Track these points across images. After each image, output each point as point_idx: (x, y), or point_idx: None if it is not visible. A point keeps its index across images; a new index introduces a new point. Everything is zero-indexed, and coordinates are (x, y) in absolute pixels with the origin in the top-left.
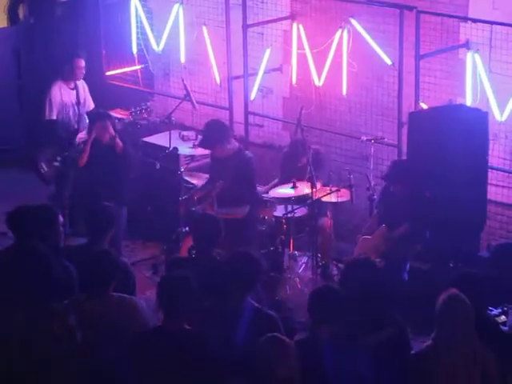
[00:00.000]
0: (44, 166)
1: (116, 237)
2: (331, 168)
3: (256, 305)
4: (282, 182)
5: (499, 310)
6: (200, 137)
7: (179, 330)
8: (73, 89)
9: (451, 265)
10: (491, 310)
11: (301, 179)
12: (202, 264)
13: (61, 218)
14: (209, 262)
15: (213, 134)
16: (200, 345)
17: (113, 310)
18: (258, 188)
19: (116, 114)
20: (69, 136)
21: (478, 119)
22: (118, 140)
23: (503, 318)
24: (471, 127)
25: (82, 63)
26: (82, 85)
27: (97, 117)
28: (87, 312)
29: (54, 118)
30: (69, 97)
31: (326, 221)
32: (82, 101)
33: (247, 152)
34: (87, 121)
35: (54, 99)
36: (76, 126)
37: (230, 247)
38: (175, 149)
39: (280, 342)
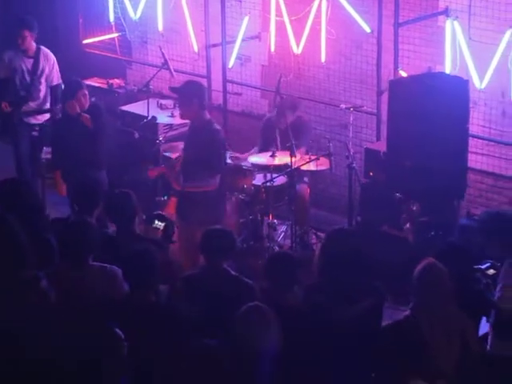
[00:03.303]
0: None
1: None
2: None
3: (233, 273)
4: (262, 150)
5: (487, 265)
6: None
7: (146, 302)
8: (31, 57)
9: (432, 233)
10: (479, 266)
11: (282, 144)
12: (213, 277)
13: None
14: (220, 274)
15: (190, 91)
16: (169, 316)
17: (94, 279)
18: (237, 155)
19: (93, 82)
20: (13, 99)
21: (458, 87)
22: (84, 115)
23: (492, 271)
24: (452, 95)
25: (26, 34)
26: (45, 56)
27: (78, 85)
28: (68, 281)
29: (2, 76)
30: (22, 63)
31: (305, 189)
32: (39, 71)
33: (215, 124)
34: (42, 92)
35: (3, 61)
36: (22, 94)
37: (204, 220)
38: (154, 118)
39: (260, 310)
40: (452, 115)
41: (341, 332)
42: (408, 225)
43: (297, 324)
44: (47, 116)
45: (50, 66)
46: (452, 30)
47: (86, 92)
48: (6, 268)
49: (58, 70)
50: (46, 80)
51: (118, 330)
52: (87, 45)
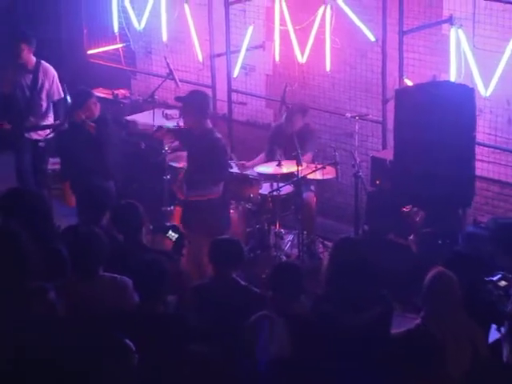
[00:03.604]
0: None
1: None
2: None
3: (243, 283)
4: (269, 157)
5: (498, 276)
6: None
7: (155, 312)
8: (30, 72)
9: (439, 242)
10: (491, 278)
11: (288, 152)
12: (222, 287)
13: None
14: (229, 284)
15: (195, 102)
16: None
17: (104, 290)
18: (243, 163)
19: (98, 93)
20: (15, 116)
21: (464, 95)
22: (88, 123)
23: (503, 282)
24: (458, 103)
25: (23, 47)
26: (45, 71)
27: (87, 94)
28: (78, 292)
29: (6, 91)
30: (22, 78)
31: (311, 197)
32: (38, 86)
33: (217, 132)
34: (43, 108)
35: (3, 77)
36: (23, 109)
37: (209, 228)
38: (159, 127)
39: (269, 320)
40: (459, 123)
41: (349, 340)
42: (412, 236)
43: (305, 332)
44: (45, 133)
45: (50, 80)
46: (456, 38)
47: (96, 100)
48: (11, 279)
49: (58, 84)
50: (47, 95)
51: (128, 342)
52: (92, 55)
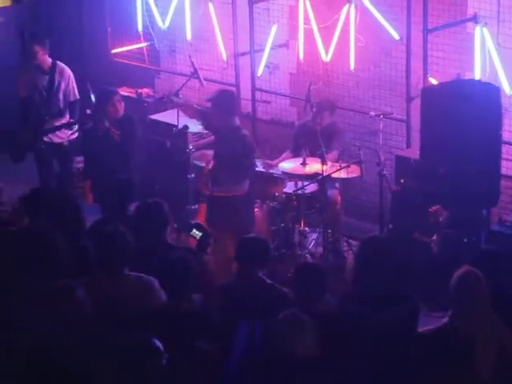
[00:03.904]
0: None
1: None
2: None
3: (269, 281)
4: (294, 153)
5: None
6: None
7: (180, 310)
8: (46, 73)
9: (465, 240)
10: None
11: (313, 150)
12: (249, 286)
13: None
14: (255, 283)
15: (222, 100)
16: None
17: (129, 289)
18: (268, 161)
19: (122, 91)
20: (34, 119)
21: (490, 94)
22: (113, 130)
23: None
24: (484, 102)
25: (37, 49)
26: (61, 71)
27: (112, 91)
28: (103, 291)
29: (22, 95)
30: (39, 79)
31: (336, 195)
32: (55, 87)
33: (244, 130)
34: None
35: (20, 79)
36: (43, 112)
37: (233, 224)
38: (185, 126)
39: (298, 319)
40: (485, 122)
41: (376, 338)
42: (435, 236)
43: (331, 331)
44: (68, 133)
45: (66, 81)
46: (481, 36)
47: (121, 98)
48: (39, 276)
49: (74, 85)
50: (64, 96)
51: (157, 342)
52: (116, 54)
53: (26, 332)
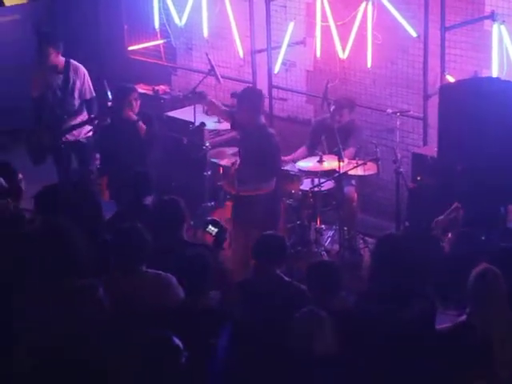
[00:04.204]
0: (33, 148)
1: None
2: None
3: (287, 279)
4: (310, 150)
5: None
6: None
7: (200, 307)
8: (60, 72)
9: (483, 238)
10: None
11: (330, 147)
12: (266, 283)
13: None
14: (273, 280)
15: (249, 98)
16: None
17: (147, 286)
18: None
19: (139, 89)
20: (50, 119)
21: (509, 91)
22: (140, 124)
23: None
24: (504, 99)
25: (50, 51)
26: (75, 69)
27: (129, 89)
28: (121, 289)
29: (35, 95)
30: (53, 79)
31: (352, 194)
32: (70, 86)
33: (270, 128)
34: (75, 107)
35: (34, 79)
36: (58, 112)
37: (260, 222)
38: (203, 123)
39: (316, 316)
40: (503, 119)
41: (393, 336)
42: (450, 235)
43: (348, 328)
44: (84, 131)
45: (81, 79)
46: (499, 33)
47: (138, 96)
48: (61, 276)
49: (89, 82)
50: (79, 94)
51: (177, 340)
52: (132, 51)
53: (47, 332)
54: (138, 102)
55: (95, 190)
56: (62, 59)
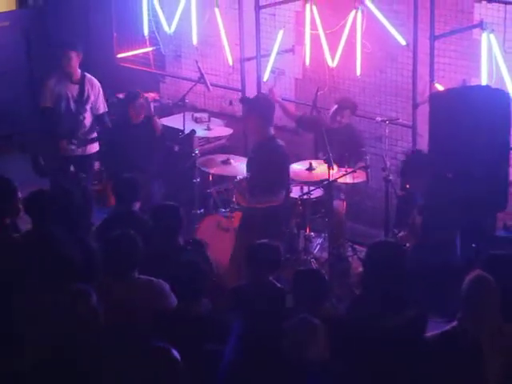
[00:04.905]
0: (41, 159)
1: None
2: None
3: (279, 285)
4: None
5: None
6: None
7: (191, 314)
8: (76, 83)
9: (474, 245)
10: None
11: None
12: (259, 290)
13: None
14: (265, 287)
15: (260, 107)
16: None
17: (139, 292)
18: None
19: None
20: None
21: (500, 100)
22: (156, 120)
23: None
24: (493, 108)
25: (72, 54)
26: (90, 82)
27: (132, 94)
28: (113, 295)
29: (48, 105)
30: (67, 89)
31: (341, 207)
32: (84, 98)
33: (279, 140)
34: (87, 121)
35: (47, 88)
36: (69, 123)
37: (270, 234)
38: (193, 131)
39: (309, 323)
40: (494, 128)
41: (385, 342)
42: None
43: (340, 334)
44: (94, 146)
45: (96, 93)
46: (488, 42)
47: (144, 102)
48: (54, 282)
49: (103, 97)
50: (92, 108)
51: (175, 352)
52: (121, 59)
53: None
54: (145, 108)
55: (89, 195)
56: (78, 70)
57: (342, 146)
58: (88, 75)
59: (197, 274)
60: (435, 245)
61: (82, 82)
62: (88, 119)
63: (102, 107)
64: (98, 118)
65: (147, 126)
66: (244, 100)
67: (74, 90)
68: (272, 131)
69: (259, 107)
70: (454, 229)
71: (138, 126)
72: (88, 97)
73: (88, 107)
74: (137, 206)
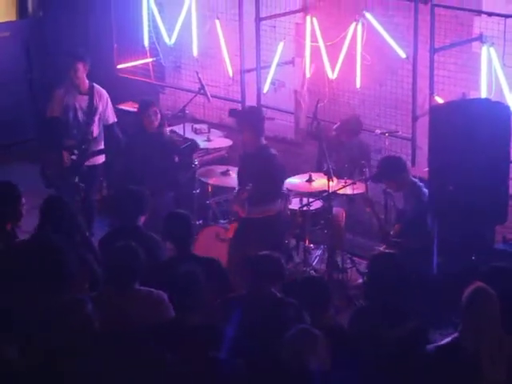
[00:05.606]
0: (47, 169)
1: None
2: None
3: (279, 295)
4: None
5: None
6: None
7: (188, 324)
8: (84, 94)
9: (473, 258)
10: None
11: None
12: (259, 299)
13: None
14: (266, 297)
15: (251, 118)
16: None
17: (139, 304)
18: None
19: (127, 107)
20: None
21: (500, 113)
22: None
23: None
24: (494, 121)
25: (79, 65)
26: (99, 93)
27: (146, 103)
28: (113, 306)
29: (55, 115)
30: (75, 100)
31: (340, 213)
32: (93, 109)
33: (271, 149)
34: (95, 133)
35: (55, 98)
36: (77, 135)
37: (266, 245)
38: (195, 142)
39: (310, 333)
40: (494, 141)
41: (387, 353)
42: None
43: (342, 344)
44: (101, 158)
45: (104, 103)
46: (488, 55)
47: (157, 110)
48: (48, 291)
49: (111, 107)
50: (100, 119)
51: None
52: (121, 70)
53: (34, 346)
54: (158, 117)
55: (92, 206)
56: (86, 80)
57: (351, 158)
58: (96, 86)
59: (193, 285)
60: (407, 253)
61: (90, 93)
62: (96, 130)
63: (112, 117)
64: (107, 129)
65: (162, 135)
66: (233, 113)
67: (82, 101)
68: (263, 141)
69: (249, 119)
70: (429, 238)
71: (153, 134)
72: (96, 108)
73: (96, 118)
74: (141, 220)
